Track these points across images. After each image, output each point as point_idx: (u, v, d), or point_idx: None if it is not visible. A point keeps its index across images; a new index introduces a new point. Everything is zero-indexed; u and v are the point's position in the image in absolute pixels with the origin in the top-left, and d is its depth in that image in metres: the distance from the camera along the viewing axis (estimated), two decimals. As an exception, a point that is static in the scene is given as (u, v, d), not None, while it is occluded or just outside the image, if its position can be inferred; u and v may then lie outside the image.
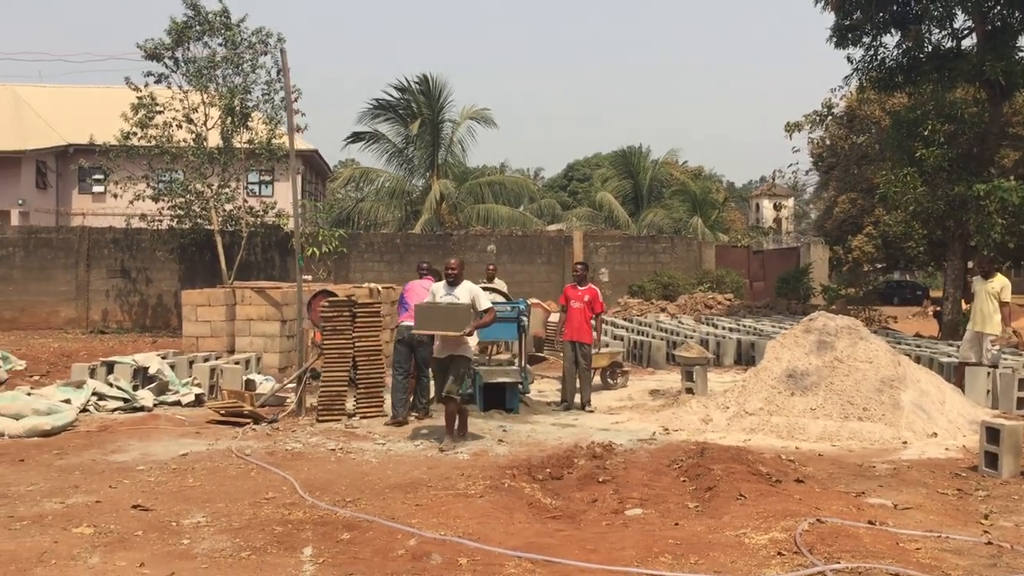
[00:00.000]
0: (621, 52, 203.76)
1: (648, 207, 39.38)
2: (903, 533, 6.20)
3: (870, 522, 6.38)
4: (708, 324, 20.63)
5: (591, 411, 11.73)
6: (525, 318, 11.92)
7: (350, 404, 11.11)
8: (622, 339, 17.34)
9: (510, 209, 32.89)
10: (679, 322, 21.07)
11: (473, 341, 9.50)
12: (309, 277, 18.05)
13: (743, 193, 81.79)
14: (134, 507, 6.82)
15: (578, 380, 11.97)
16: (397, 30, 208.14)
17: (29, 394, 10.92)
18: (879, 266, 39.06)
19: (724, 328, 19.41)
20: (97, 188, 33.91)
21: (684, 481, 7.92)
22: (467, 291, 9.42)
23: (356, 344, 10.86)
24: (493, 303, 11.91)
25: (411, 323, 10.54)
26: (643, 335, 18.07)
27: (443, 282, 9.57)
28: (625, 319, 21.83)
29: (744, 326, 19.61)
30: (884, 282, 46.39)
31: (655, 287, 25.91)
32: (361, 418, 10.73)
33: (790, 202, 55.70)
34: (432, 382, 10.98)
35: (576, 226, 34.63)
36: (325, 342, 10.90)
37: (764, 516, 6.51)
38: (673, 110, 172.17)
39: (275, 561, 5.66)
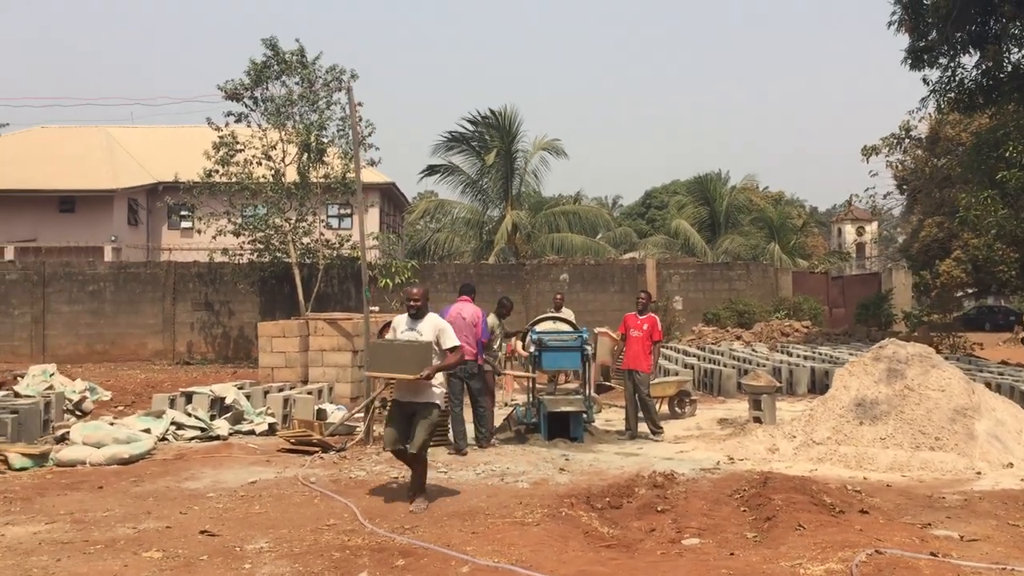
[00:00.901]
0: (705, 78, 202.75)
1: (725, 234, 38.94)
2: (966, 565, 6.06)
3: (932, 554, 6.24)
4: (782, 352, 20.30)
5: (658, 440, 11.68)
6: (589, 347, 11.95)
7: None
8: (692, 367, 17.20)
9: (584, 238, 32.89)
10: (752, 350, 20.78)
11: (439, 386, 8.20)
12: (376, 308, 18.38)
13: (826, 218, 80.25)
14: (202, 532, 7.07)
15: (640, 409, 11.97)
16: (477, 59, 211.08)
17: (111, 424, 11.39)
18: (969, 291, 37.88)
19: (798, 356, 19.08)
20: (185, 224, 35.15)
21: (744, 511, 7.84)
22: (431, 326, 8.13)
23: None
24: (558, 332, 12.05)
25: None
26: (714, 363, 17.89)
27: (405, 315, 8.30)
28: (699, 348, 21.63)
29: (820, 354, 19.24)
30: (975, 308, 44.97)
31: (730, 315, 25.62)
32: (426, 447, 10.86)
33: (872, 226, 54.48)
34: (479, 412, 11.05)
35: (651, 254, 34.48)
36: (391, 372, 11.07)
37: (822, 547, 6.42)
38: (756, 134, 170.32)
39: (331, 586, 5.81)
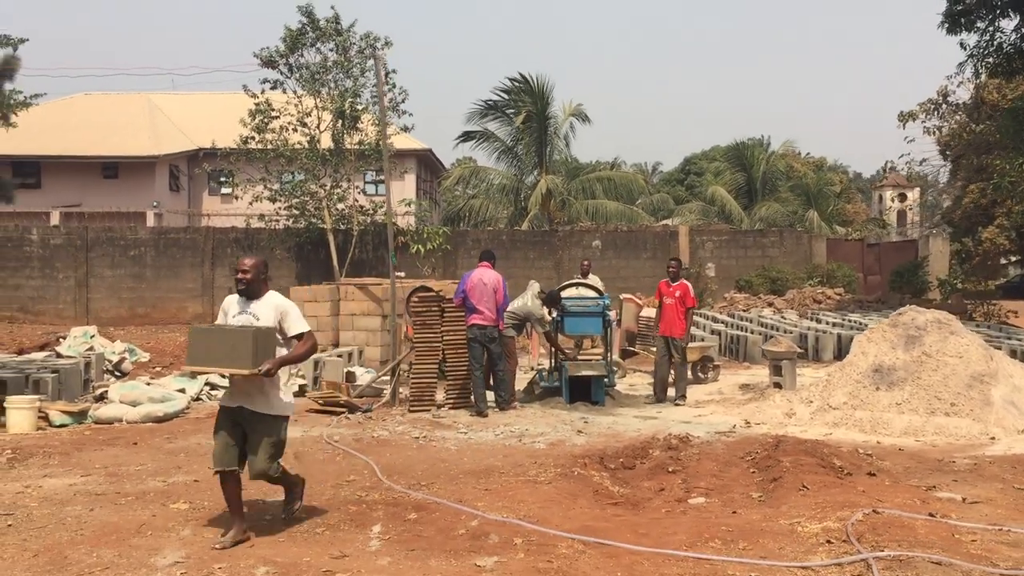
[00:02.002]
0: (750, 44, 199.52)
1: (762, 200, 38.67)
2: (962, 526, 6.19)
3: (930, 514, 6.38)
4: (812, 319, 20.31)
5: (680, 405, 11.88)
6: (611, 312, 12.14)
7: (441, 395, 11.58)
8: (719, 334, 17.31)
9: (618, 204, 32.87)
10: (782, 317, 20.81)
11: (285, 386, 6.29)
12: (402, 274, 18.65)
13: (870, 185, 79.01)
14: (227, 486, 7.40)
15: (672, 374, 12.19)
16: (518, 23, 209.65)
17: (148, 383, 11.85)
18: (1013, 259, 37.29)
19: (827, 323, 19.09)
20: (225, 190, 35.65)
21: (753, 472, 8.03)
22: (272, 307, 6.13)
23: (445, 338, 11.30)
24: (580, 298, 12.23)
25: (481, 323, 10.91)
26: (741, 330, 17.98)
27: (235, 295, 6.32)
28: (729, 314, 21.70)
29: (849, 321, 19.23)
30: (1020, 276, 44.30)
31: (763, 282, 25.58)
32: (450, 408, 11.18)
33: (914, 193, 53.68)
34: (495, 376, 11.27)
35: (686, 221, 34.39)
36: (416, 336, 11.39)
37: (822, 506, 6.59)
38: (801, 99, 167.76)
39: (346, 537, 6.11)
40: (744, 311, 22.54)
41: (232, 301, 6.35)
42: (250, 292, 6.22)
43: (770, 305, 23.90)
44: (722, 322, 19.56)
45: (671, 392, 12.25)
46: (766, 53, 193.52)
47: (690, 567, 5.50)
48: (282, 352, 6.11)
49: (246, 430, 6.11)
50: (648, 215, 39.15)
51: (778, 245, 27.37)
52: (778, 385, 12.07)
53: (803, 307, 23.34)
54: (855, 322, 18.93)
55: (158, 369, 14.97)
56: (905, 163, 26.57)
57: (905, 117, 24.68)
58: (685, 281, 12.51)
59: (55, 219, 32.99)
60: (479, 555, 5.70)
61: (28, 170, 35.43)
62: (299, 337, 6.19)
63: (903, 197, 56.34)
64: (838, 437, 9.56)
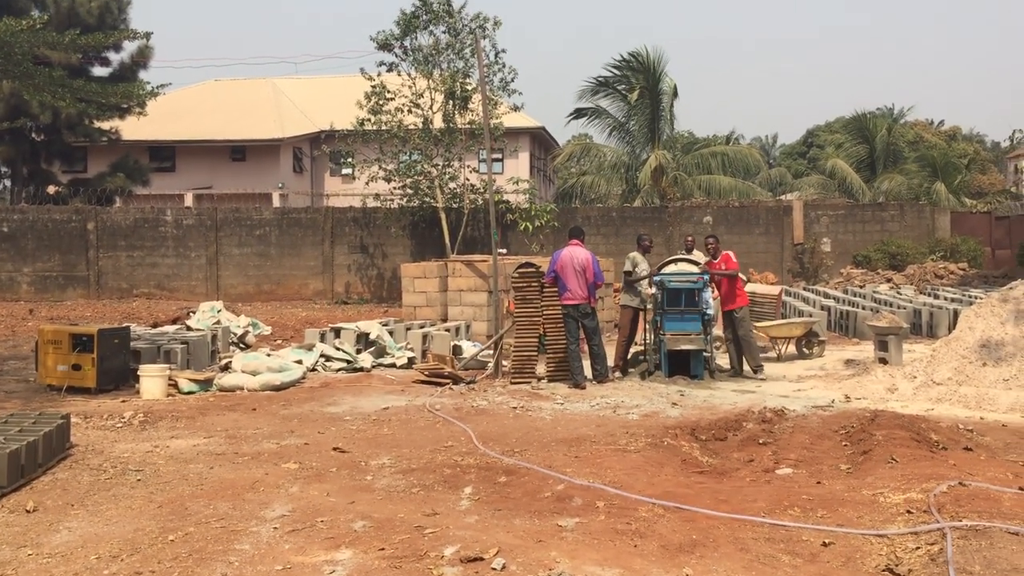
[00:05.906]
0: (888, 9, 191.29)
1: (884, 173, 37.42)
2: (1052, 501, 6.12)
3: (1021, 488, 6.32)
4: (929, 295, 19.72)
5: (763, 378, 11.95)
6: (708, 307, 12.22)
7: (542, 368, 11.90)
8: (828, 309, 17.04)
9: (732, 179, 32.44)
10: (897, 293, 20.28)
11: None
12: (504, 251, 19.02)
13: (1005, 154, 75.16)
14: (334, 449, 7.94)
15: (737, 347, 12.36)
16: None
17: (268, 355, 12.58)
18: None
19: (944, 299, 18.52)
20: (345, 171, 36.89)
21: (845, 445, 8.06)
22: None
23: (545, 312, 11.60)
24: (680, 273, 12.32)
25: (574, 303, 11.15)
26: (852, 305, 17.65)
27: None
28: (843, 290, 21.28)
29: (970, 296, 18.58)
30: None
31: (881, 257, 24.89)
32: (549, 381, 11.49)
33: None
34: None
35: (803, 195, 33.66)
36: (516, 310, 11.74)
37: (908, 478, 6.60)
38: (935, 65, 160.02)
39: (438, 496, 6.50)
40: (860, 287, 22.05)
41: None
42: None
43: (888, 281, 23.30)
44: (833, 298, 19.21)
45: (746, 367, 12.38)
46: (897, 19, 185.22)
47: (765, 532, 5.65)
48: None
49: None
50: (765, 191, 38.44)
51: (898, 219, 26.55)
52: (883, 361, 11.89)
53: (923, 283, 22.67)
54: (975, 297, 18.28)
55: (278, 342, 15.81)
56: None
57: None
58: (727, 252, 12.84)
59: (189, 200, 34.83)
60: (562, 516, 5.98)
61: (164, 154, 37.50)
62: None
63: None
64: (940, 412, 9.43)
